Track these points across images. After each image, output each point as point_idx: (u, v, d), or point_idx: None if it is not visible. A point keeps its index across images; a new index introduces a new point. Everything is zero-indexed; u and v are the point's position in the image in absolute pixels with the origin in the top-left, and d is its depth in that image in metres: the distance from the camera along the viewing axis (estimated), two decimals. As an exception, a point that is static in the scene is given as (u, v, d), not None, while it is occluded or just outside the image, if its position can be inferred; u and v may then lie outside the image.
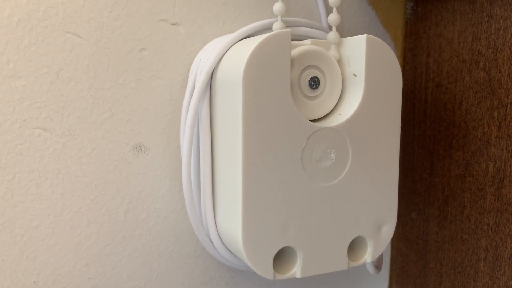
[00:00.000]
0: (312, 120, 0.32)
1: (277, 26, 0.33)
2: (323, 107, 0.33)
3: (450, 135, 0.39)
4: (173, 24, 0.35)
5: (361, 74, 0.32)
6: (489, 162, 0.36)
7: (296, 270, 0.31)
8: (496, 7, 0.35)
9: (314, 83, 0.32)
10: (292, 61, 0.31)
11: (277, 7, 0.33)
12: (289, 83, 0.30)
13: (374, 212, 0.33)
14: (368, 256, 0.34)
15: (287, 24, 0.35)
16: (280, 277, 0.31)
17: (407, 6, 0.43)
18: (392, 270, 0.47)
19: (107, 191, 0.35)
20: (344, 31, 0.42)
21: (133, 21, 0.34)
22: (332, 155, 0.31)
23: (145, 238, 0.37)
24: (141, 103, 0.35)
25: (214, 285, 0.40)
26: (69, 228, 0.34)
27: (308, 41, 0.34)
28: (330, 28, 0.36)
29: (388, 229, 0.34)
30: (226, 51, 0.32)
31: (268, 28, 0.34)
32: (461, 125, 0.38)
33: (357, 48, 0.32)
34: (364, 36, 0.32)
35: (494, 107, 0.36)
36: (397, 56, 0.44)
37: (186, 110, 0.34)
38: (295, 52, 0.31)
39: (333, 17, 0.34)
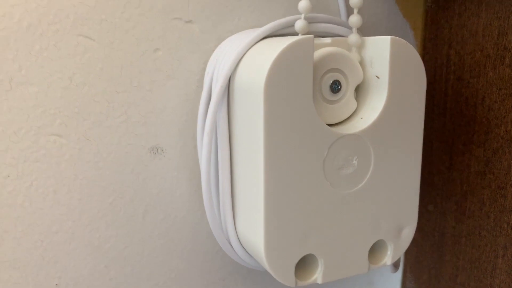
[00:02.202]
0: (333, 124, 0.32)
1: (299, 25, 0.31)
2: (344, 110, 0.32)
3: (471, 131, 0.38)
4: (187, 22, 0.34)
5: (384, 76, 0.31)
6: (511, 161, 0.36)
7: (317, 276, 0.31)
8: (525, 2, 0.33)
9: (336, 87, 0.31)
10: (314, 65, 0.29)
11: (303, 4, 0.31)
12: (311, 91, 0.29)
13: (395, 216, 0.33)
14: (388, 259, 0.34)
15: (308, 20, 0.33)
16: (301, 283, 0.31)
17: (428, -6, 0.41)
18: (406, 259, 0.47)
19: (124, 194, 0.35)
20: (363, 20, 0.40)
21: (146, 21, 0.33)
22: (354, 161, 0.31)
23: (163, 238, 0.37)
24: (156, 105, 0.34)
25: (232, 280, 0.40)
26: (88, 231, 0.34)
27: (328, 40, 0.32)
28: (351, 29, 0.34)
29: (409, 232, 0.34)
30: (244, 54, 0.31)
31: (288, 27, 0.33)
32: (482, 122, 0.37)
33: (380, 50, 0.31)
34: (388, 38, 0.30)
35: (519, 106, 0.35)
36: (416, 45, 0.43)
37: (203, 114, 0.33)
38: (316, 54, 0.30)
39: (354, 19, 0.32)
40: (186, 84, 0.35)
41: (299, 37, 0.28)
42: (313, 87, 0.30)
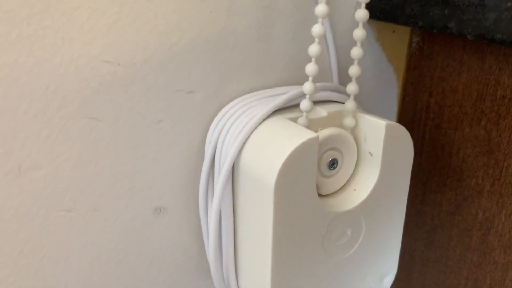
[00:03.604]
0: (328, 195, 0.34)
1: (304, 106, 0.33)
2: (338, 182, 0.35)
3: (445, 175, 0.42)
4: (189, 93, 0.35)
5: (378, 156, 0.34)
6: (479, 210, 0.40)
7: (312, 327, 0.36)
8: (505, 75, 0.36)
9: (333, 164, 0.34)
10: (320, 142, 0.31)
11: (308, 86, 0.32)
12: (315, 183, 0.31)
13: (380, 268, 0.37)
14: (371, 302, 0.38)
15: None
16: (298, 335, 0.35)
17: (412, 40, 0.43)
18: (377, 269, 0.52)
19: (131, 251, 0.37)
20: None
21: (150, 96, 0.33)
22: (348, 232, 0.34)
23: (166, 284, 0.40)
24: (160, 170, 0.36)
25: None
26: (100, 285, 0.37)
27: (324, 113, 0.34)
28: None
29: (391, 278, 0.39)
30: (250, 135, 0.33)
31: (290, 102, 0.34)
32: (456, 170, 0.41)
33: (375, 131, 0.33)
34: (383, 124, 0.33)
35: (490, 165, 0.38)
36: (398, 87, 0.45)
37: (205, 182, 0.35)
38: (320, 135, 0.32)
39: (352, 87, 0.34)
40: (188, 147, 0.36)
41: (306, 137, 0.30)
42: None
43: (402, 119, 0.46)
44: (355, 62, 0.34)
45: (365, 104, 0.44)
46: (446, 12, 0.32)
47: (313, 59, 0.32)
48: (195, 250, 0.40)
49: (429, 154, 0.43)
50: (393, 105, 0.46)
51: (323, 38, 0.39)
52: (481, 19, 0.30)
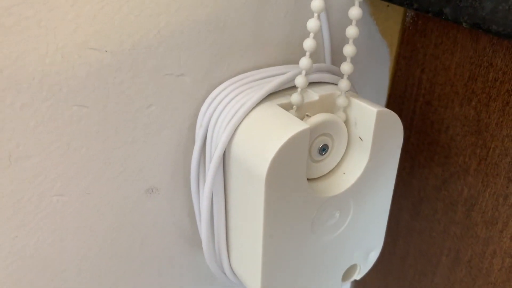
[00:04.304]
0: (317, 178, 0.35)
1: (299, 82, 0.32)
2: (327, 166, 0.35)
3: (433, 151, 0.43)
4: (178, 76, 0.34)
5: (367, 141, 0.34)
6: (465, 187, 0.41)
7: (300, 302, 0.38)
8: (498, 58, 0.36)
9: (324, 150, 0.34)
10: (311, 130, 0.32)
11: (304, 61, 0.32)
12: (305, 171, 0.31)
13: (366, 246, 0.39)
14: (357, 276, 0.40)
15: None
16: (287, 309, 0.37)
17: (407, 14, 0.42)
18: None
19: (124, 230, 0.38)
20: (344, 41, 0.41)
21: (139, 81, 0.33)
22: (336, 214, 0.35)
23: (157, 261, 0.41)
24: (151, 153, 0.36)
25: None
26: (93, 265, 0.38)
27: (316, 97, 0.34)
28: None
29: (376, 253, 0.40)
30: (242, 121, 0.32)
31: (282, 86, 0.34)
32: (444, 147, 0.42)
33: (366, 117, 0.33)
34: (374, 111, 0.32)
35: (478, 145, 0.39)
36: (390, 61, 0.45)
37: (196, 167, 0.35)
38: (311, 121, 0.32)
39: (346, 67, 0.34)
40: (178, 130, 0.36)
41: (297, 129, 0.30)
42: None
43: (393, 93, 0.45)
44: (350, 42, 0.33)
45: (357, 78, 0.44)
46: (442, -3, 0.32)
47: (311, 34, 0.31)
48: (187, 226, 0.41)
49: (418, 129, 0.44)
50: (385, 79, 0.46)
51: (323, 13, 0.38)
52: (477, 7, 0.30)
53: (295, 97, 0.32)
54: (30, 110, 0.30)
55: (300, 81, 0.32)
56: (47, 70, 0.29)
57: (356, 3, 0.32)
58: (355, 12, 0.32)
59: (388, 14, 0.42)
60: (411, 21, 0.42)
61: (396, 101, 0.45)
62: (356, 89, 0.44)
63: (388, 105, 0.46)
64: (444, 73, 0.40)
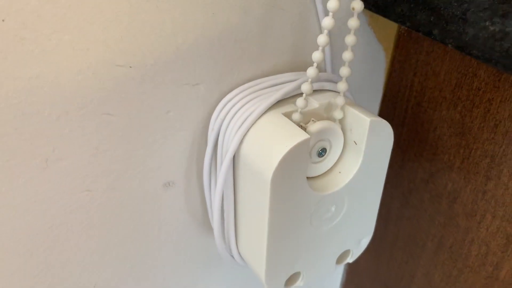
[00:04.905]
0: (314, 177, 0.39)
1: (305, 89, 0.36)
2: (325, 166, 0.39)
3: (422, 147, 0.47)
4: (194, 85, 0.38)
5: (361, 144, 0.38)
6: (449, 182, 0.46)
7: (299, 283, 0.43)
8: (481, 70, 0.40)
9: (322, 152, 0.38)
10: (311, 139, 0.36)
11: (311, 71, 0.35)
12: (306, 174, 0.36)
13: (358, 234, 0.44)
14: (350, 259, 0.45)
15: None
16: (287, 288, 0.42)
17: (402, 22, 0.45)
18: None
19: (144, 218, 0.42)
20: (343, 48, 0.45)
21: (159, 91, 0.37)
22: (332, 209, 0.40)
23: (175, 242, 0.46)
24: (168, 152, 0.40)
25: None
26: (117, 247, 0.43)
27: (316, 104, 0.38)
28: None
29: (367, 240, 0.45)
30: (251, 127, 0.37)
31: (286, 95, 0.38)
32: (432, 145, 0.46)
33: (360, 124, 0.37)
34: (368, 120, 0.37)
35: (461, 145, 0.43)
36: (386, 63, 0.48)
37: (208, 166, 0.40)
38: (312, 128, 0.36)
39: (345, 71, 0.37)
40: (193, 132, 0.40)
41: (299, 139, 0.34)
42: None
43: (388, 92, 0.49)
44: (349, 48, 0.37)
45: (355, 78, 0.47)
46: (431, 19, 0.35)
47: (320, 48, 0.35)
48: (199, 214, 0.45)
49: (409, 127, 0.48)
50: (381, 80, 0.49)
51: (331, 31, 0.41)
52: (462, 32, 0.33)
53: (300, 102, 0.36)
54: (64, 119, 0.34)
55: (306, 88, 0.36)
56: (80, 85, 0.33)
57: (355, 15, 0.36)
58: (353, 23, 0.36)
59: (385, 24, 0.45)
60: (406, 29, 0.45)
61: (390, 100, 0.49)
62: (356, 89, 0.48)
63: (383, 103, 0.50)
64: (434, 79, 0.44)
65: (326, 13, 0.41)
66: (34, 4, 0.29)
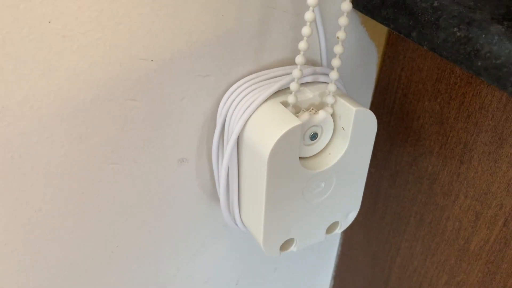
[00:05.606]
0: (307, 157, 0.46)
1: (293, 87, 0.42)
2: (316, 148, 0.46)
3: (407, 134, 0.53)
4: (205, 76, 0.44)
5: (348, 130, 0.44)
6: (429, 165, 0.51)
7: (292, 248, 0.49)
8: (457, 67, 0.45)
9: (314, 136, 0.44)
10: (303, 124, 0.42)
11: (299, 59, 0.41)
12: (298, 154, 0.42)
13: (346, 208, 0.50)
14: (338, 230, 0.51)
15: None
16: (282, 252, 0.49)
17: (392, 22, 0.51)
18: (352, 196, 0.65)
19: (159, 190, 0.49)
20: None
21: (175, 81, 0.43)
22: (322, 185, 0.46)
23: (186, 210, 0.53)
24: (182, 133, 0.47)
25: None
26: (138, 215, 0.50)
27: (310, 95, 0.44)
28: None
29: (354, 214, 0.51)
30: (253, 113, 0.43)
31: (284, 87, 0.44)
32: (415, 132, 0.52)
33: (347, 113, 0.43)
34: (353, 110, 0.42)
35: (440, 133, 0.49)
36: (378, 58, 0.54)
37: (216, 146, 0.46)
38: (305, 117, 0.42)
39: (336, 62, 0.43)
40: (203, 116, 0.47)
41: (292, 125, 0.40)
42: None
43: (379, 84, 0.55)
44: (340, 43, 0.43)
45: (350, 72, 0.53)
46: (411, 23, 0.41)
47: (305, 38, 0.41)
48: (208, 187, 0.52)
49: (397, 116, 0.54)
50: (373, 73, 0.55)
51: (313, 23, 0.47)
52: (434, 36, 0.39)
53: (290, 98, 0.42)
54: (96, 103, 0.41)
55: (293, 86, 0.42)
56: (110, 75, 0.40)
57: (344, 14, 0.41)
58: (342, 21, 0.41)
59: (375, 23, 0.50)
60: (395, 28, 0.51)
61: (381, 91, 0.55)
62: (351, 80, 0.54)
63: (375, 94, 0.56)
64: (418, 73, 0.50)
65: (322, 16, 0.46)
66: (73, 9, 0.36)
